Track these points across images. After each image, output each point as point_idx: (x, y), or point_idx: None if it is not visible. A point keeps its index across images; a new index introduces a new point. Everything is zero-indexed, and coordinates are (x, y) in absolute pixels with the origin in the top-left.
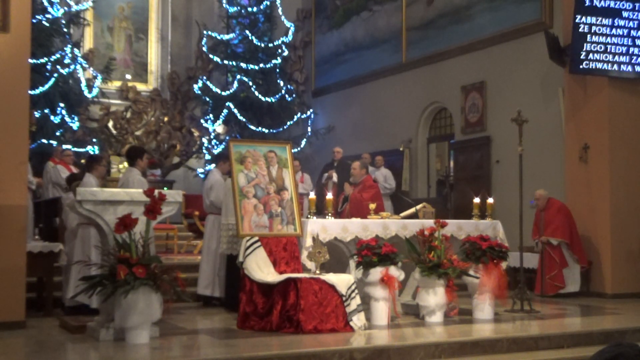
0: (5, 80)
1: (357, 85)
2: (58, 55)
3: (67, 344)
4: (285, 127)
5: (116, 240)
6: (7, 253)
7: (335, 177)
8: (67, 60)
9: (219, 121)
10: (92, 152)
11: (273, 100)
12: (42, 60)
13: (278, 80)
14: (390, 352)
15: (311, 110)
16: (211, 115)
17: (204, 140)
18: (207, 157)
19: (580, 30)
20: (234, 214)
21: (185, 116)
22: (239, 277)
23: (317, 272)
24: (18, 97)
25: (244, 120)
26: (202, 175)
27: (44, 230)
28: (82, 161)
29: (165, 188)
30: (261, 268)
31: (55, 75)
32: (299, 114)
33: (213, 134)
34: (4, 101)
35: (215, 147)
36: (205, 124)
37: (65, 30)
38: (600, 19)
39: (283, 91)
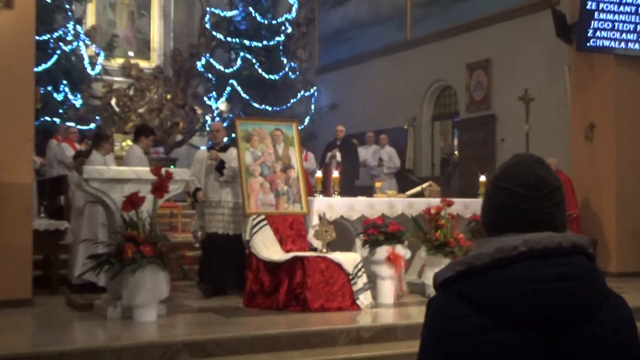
0: (10, 58)
1: (361, 62)
2: (60, 32)
3: (74, 321)
4: (288, 104)
5: (123, 218)
6: (13, 231)
7: (338, 156)
8: (69, 37)
9: (222, 99)
10: (99, 129)
11: (276, 77)
12: (45, 37)
13: (281, 58)
14: (397, 330)
15: (314, 88)
16: (214, 93)
17: (207, 117)
18: None
19: (588, 7)
20: (205, 189)
21: (188, 94)
22: (210, 257)
23: (324, 250)
24: (23, 75)
25: (247, 97)
26: None
27: (48, 208)
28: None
29: (172, 166)
30: (267, 246)
31: (58, 52)
32: (302, 92)
33: (216, 112)
34: (9, 78)
35: None
36: (208, 102)
37: (67, 6)
38: None
39: (286, 69)
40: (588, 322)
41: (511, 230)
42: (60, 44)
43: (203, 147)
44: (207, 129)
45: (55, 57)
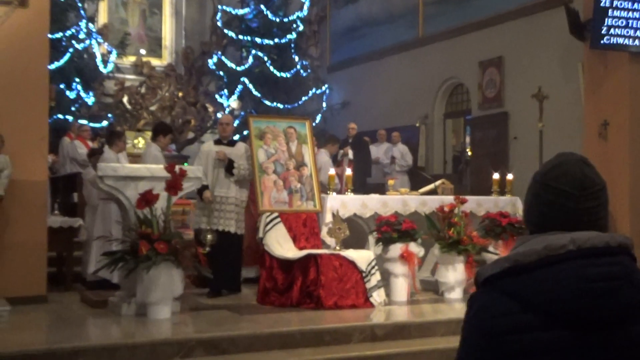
0: (25, 55)
1: (373, 60)
2: (73, 30)
3: (89, 318)
4: (300, 102)
5: (137, 216)
6: (28, 228)
7: (350, 154)
8: (81, 35)
9: (234, 96)
10: (112, 127)
11: (288, 75)
12: (57, 36)
13: (293, 56)
14: (411, 328)
15: (326, 85)
16: (226, 91)
17: (219, 115)
18: None
19: (602, 4)
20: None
21: (200, 91)
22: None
23: (337, 248)
24: (38, 72)
25: (258, 95)
26: None
27: (62, 205)
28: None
29: (185, 164)
30: (281, 244)
31: (71, 50)
32: (313, 90)
33: (227, 110)
34: (24, 76)
35: None
36: (219, 99)
37: (79, 5)
38: None
39: (298, 66)
40: (635, 322)
41: (556, 229)
42: (73, 42)
43: (209, 140)
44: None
45: (68, 55)
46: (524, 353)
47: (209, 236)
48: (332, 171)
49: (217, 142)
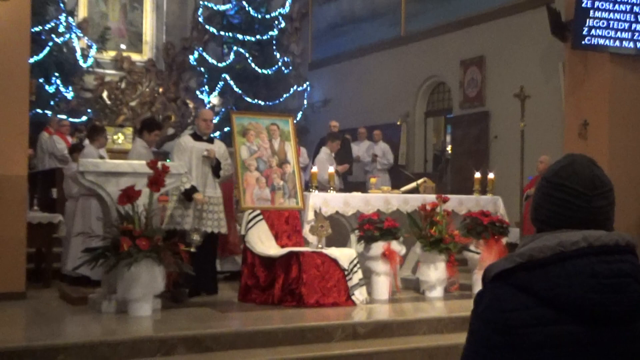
0: (6, 49)
1: (355, 58)
2: (52, 24)
3: (69, 315)
4: (281, 99)
5: (119, 212)
6: (7, 223)
7: None
8: (61, 29)
9: (215, 93)
10: (94, 122)
11: (269, 72)
12: (37, 29)
13: (274, 52)
14: (394, 326)
15: (307, 82)
16: (206, 87)
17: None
18: None
19: (584, 5)
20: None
21: (181, 87)
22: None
23: (319, 246)
24: (18, 66)
25: (239, 92)
26: None
27: (41, 201)
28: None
29: (167, 160)
30: (263, 241)
31: (50, 44)
32: (295, 87)
33: (208, 106)
34: (4, 70)
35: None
36: (200, 96)
37: None
38: None
39: (279, 63)
40: None
41: (567, 227)
42: (52, 35)
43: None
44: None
45: (47, 49)
46: (536, 347)
47: (196, 237)
48: (331, 169)
49: (196, 137)
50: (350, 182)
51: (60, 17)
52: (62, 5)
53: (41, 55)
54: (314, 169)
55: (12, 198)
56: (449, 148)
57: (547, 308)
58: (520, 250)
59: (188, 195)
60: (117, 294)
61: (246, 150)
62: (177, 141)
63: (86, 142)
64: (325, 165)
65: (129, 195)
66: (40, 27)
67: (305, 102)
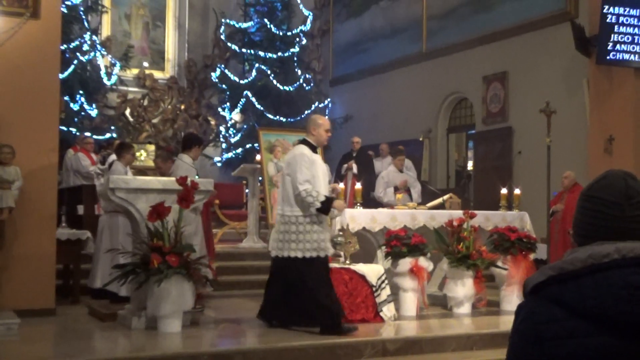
0: (37, 67)
1: (376, 74)
2: (77, 43)
3: (98, 331)
4: (302, 116)
5: (149, 228)
6: (37, 240)
7: (355, 169)
8: (85, 48)
9: (237, 110)
10: (122, 139)
11: (291, 89)
12: (62, 47)
13: (296, 69)
14: (423, 343)
15: (329, 99)
16: (228, 104)
17: (221, 128)
18: (224, 145)
19: (608, 20)
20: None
21: (202, 104)
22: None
23: (347, 262)
24: (49, 84)
25: (261, 109)
26: (219, 164)
27: (68, 217)
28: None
29: (196, 176)
30: None
31: (75, 62)
32: (316, 103)
33: (230, 123)
34: (35, 88)
35: (233, 135)
36: (222, 113)
37: (83, 17)
38: (628, 9)
39: (301, 80)
40: None
41: (602, 239)
42: (77, 54)
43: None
44: (221, 139)
45: (72, 67)
46: (573, 358)
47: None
48: (342, 185)
49: (311, 147)
50: (373, 198)
51: (84, 35)
52: (86, 24)
53: (66, 74)
54: (341, 185)
55: (43, 214)
56: (470, 164)
57: (579, 320)
58: (554, 263)
59: (326, 208)
60: (147, 310)
61: (273, 166)
62: (301, 153)
63: (111, 158)
64: (391, 182)
65: (159, 211)
66: (65, 46)
67: (326, 118)
